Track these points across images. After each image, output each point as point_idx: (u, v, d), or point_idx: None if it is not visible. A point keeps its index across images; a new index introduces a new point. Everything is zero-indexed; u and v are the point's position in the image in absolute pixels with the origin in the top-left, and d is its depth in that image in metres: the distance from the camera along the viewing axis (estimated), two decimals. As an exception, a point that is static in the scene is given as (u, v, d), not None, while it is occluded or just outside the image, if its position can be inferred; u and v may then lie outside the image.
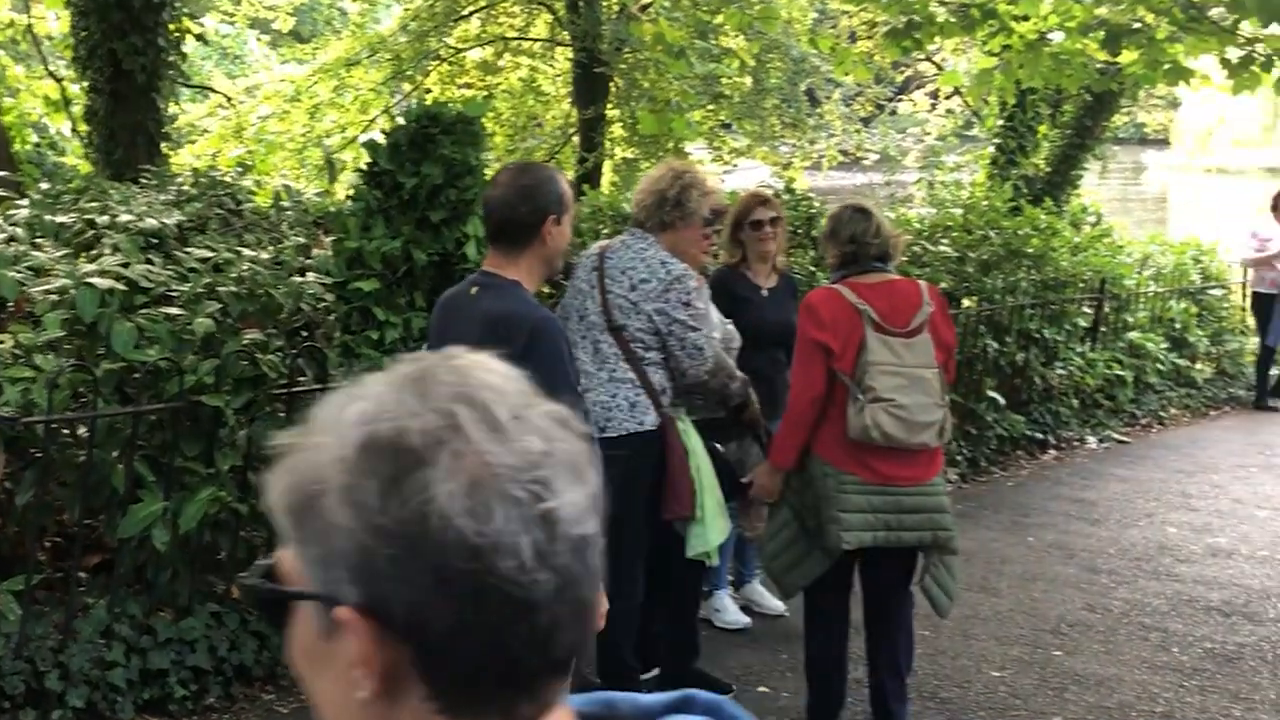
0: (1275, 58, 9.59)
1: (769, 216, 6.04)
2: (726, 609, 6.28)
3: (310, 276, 5.98)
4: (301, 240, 6.73)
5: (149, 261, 5.75)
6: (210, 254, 5.84)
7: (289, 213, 7.43)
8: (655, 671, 5.50)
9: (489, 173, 5.21)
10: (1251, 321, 12.58)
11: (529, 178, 3.83)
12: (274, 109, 17.16)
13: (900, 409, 4.68)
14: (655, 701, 1.17)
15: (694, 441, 5.07)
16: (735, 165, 16.61)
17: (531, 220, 3.77)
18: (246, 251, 6.02)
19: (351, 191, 5.43)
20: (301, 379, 5.67)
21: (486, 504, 0.98)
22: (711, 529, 5.04)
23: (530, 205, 3.76)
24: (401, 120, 5.33)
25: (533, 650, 1.00)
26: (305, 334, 5.93)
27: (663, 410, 4.94)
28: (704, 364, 4.96)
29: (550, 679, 1.03)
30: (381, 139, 5.37)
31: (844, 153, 19.33)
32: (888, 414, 4.67)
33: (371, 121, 16.46)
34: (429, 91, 16.72)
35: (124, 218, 6.32)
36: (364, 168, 5.38)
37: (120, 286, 5.24)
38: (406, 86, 16.96)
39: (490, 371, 1.10)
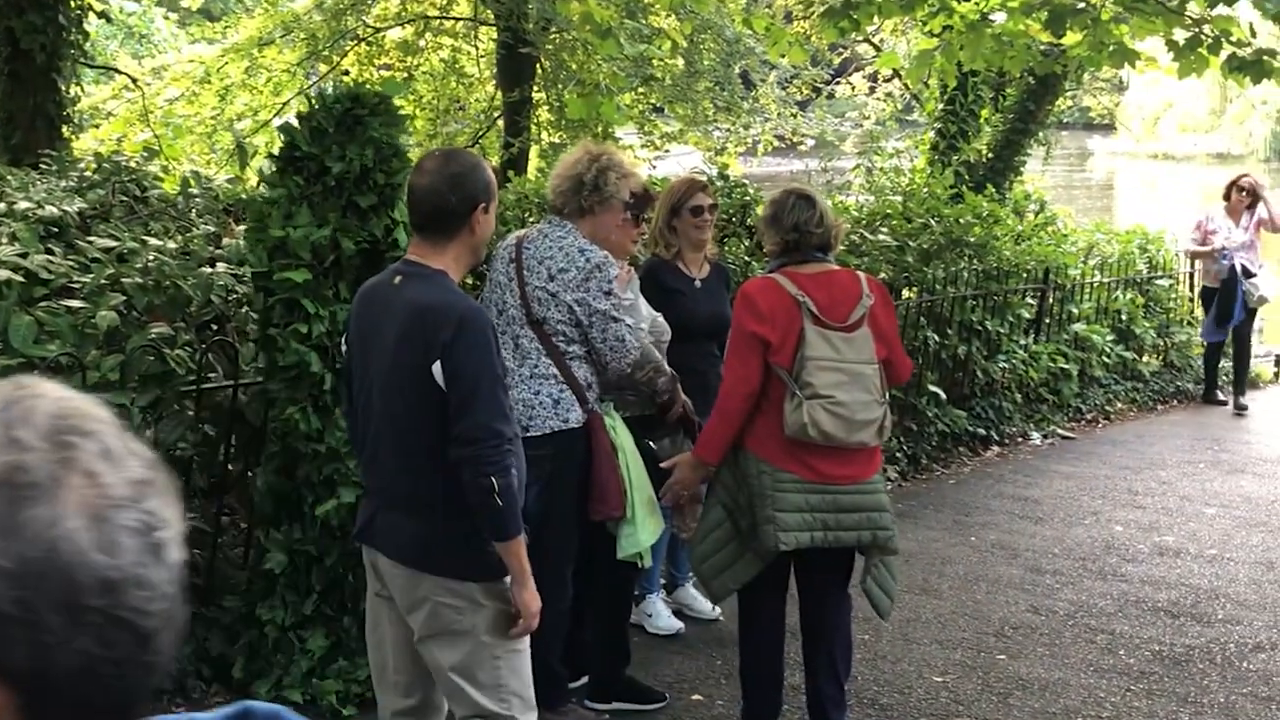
0: (1223, 39, 9.73)
1: (708, 203, 6.04)
2: (659, 614, 6.29)
3: (221, 267, 5.92)
4: (211, 229, 6.66)
5: (49, 251, 5.67)
6: (114, 243, 5.77)
7: (198, 200, 7.34)
8: (584, 679, 5.50)
9: (412, 156, 5.18)
10: (1200, 313, 12.72)
11: (458, 165, 3.82)
12: (182, 91, 16.95)
13: (839, 406, 4.70)
14: (211, 717, 1.16)
15: (623, 439, 5.06)
16: (667, 151, 16.64)
17: (461, 209, 3.76)
18: (153, 241, 5.94)
19: (264, 177, 5.36)
20: (212, 375, 5.61)
21: (113, 536, 0.97)
22: (643, 529, 5.04)
23: (460, 194, 3.75)
24: (317, 102, 5.26)
25: (144, 678, 1.00)
26: (215, 328, 5.86)
27: (588, 407, 4.94)
28: (627, 356, 4.95)
29: (146, 704, 1.03)
30: (297, 122, 5.30)
31: (779, 138, 19.41)
32: (826, 411, 4.69)
33: (285, 104, 16.30)
34: (346, 73, 16.58)
35: (22, 205, 6.22)
36: (278, 152, 5.31)
37: (18, 278, 5.16)
38: (322, 67, 16.83)
39: (79, 399, 1.07)
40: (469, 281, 6.33)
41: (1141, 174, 50.03)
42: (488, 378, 3.65)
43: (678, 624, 6.30)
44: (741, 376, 4.85)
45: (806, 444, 4.74)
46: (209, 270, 5.83)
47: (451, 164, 3.82)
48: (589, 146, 5.23)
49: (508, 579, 3.75)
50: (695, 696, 5.65)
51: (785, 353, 4.77)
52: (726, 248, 8.87)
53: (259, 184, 8.10)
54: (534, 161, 15.75)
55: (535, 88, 15.68)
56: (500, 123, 16.17)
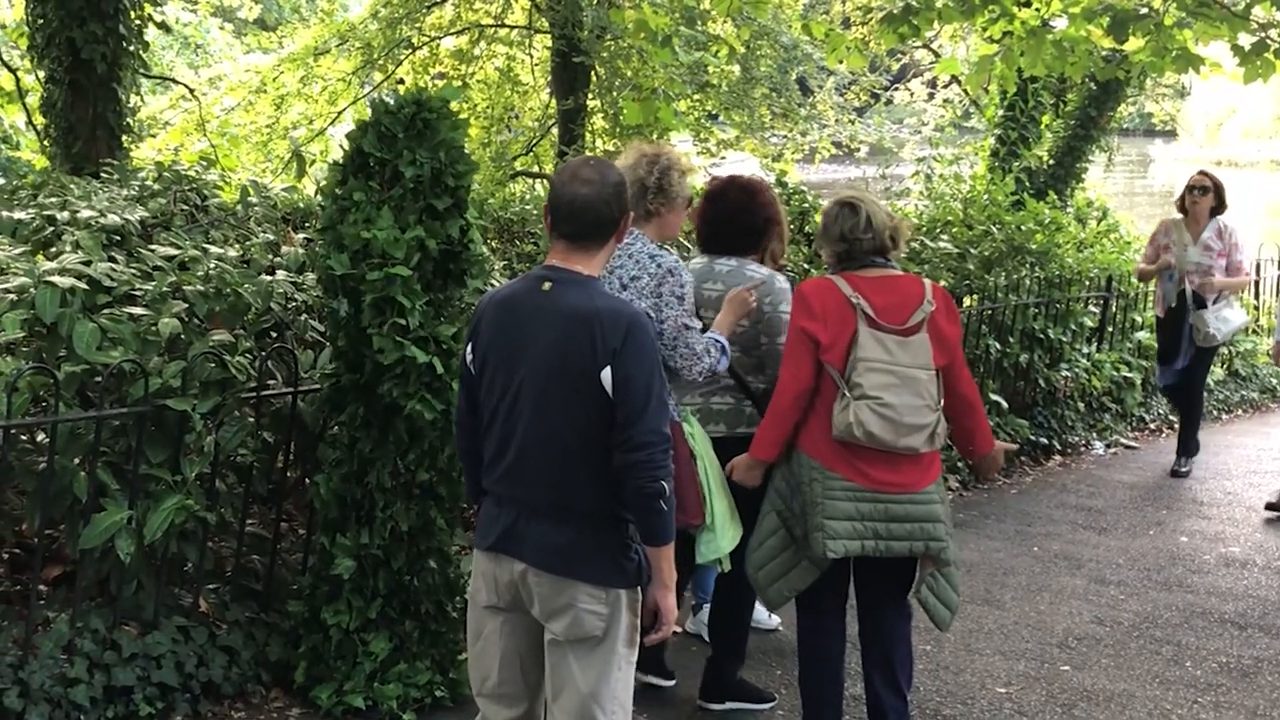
0: (1289, 44, 9.65)
1: None
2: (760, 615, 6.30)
3: (280, 275, 5.98)
4: (270, 237, 6.73)
5: (111, 259, 5.75)
6: (176, 251, 5.84)
7: (256, 209, 7.43)
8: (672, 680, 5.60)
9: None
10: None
11: (617, 175, 3.83)
12: (239, 100, 17.16)
13: (886, 408, 4.70)
14: None
15: (702, 446, 5.07)
16: (723, 157, 16.65)
17: (618, 218, 3.81)
18: (213, 249, 6.01)
19: (326, 182, 5.40)
20: (271, 382, 5.68)
21: None
22: (723, 536, 5.05)
23: (619, 204, 3.80)
24: (381, 108, 5.30)
25: None
26: (275, 335, 5.93)
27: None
28: (697, 364, 4.93)
29: None
30: (361, 128, 5.34)
31: (837, 144, 19.38)
32: (873, 412, 4.70)
33: (340, 113, 16.46)
34: (401, 81, 16.72)
35: (85, 214, 6.31)
36: (342, 157, 5.36)
37: (82, 285, 5.23)
38: (377, 76, 16.96)
39: None
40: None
41: (1204, 181, 49.49)
42: (658, 383, 3.69)
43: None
44: (792, 374, 4.89)
45: (856, 447, 4.75)
46: (268, 278, 5.89)
47: (611, 174, 3.81)
48: (643, 148, 5.22)
49: (639, 590, 3.80)
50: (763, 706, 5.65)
51: (837, 352, 4.79)
52: (787, 255, 8.86)
53: (317, 191, 8.19)
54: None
55: (590, 95, 15.75)
56: (555, 130, 16.25)
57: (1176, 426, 10.41)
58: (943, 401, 4.90)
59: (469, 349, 3.95)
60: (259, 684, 5.35)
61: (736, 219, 5.57)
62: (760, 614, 6.41)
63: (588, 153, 16.05)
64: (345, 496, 5.33)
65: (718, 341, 5.02)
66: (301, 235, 6.89)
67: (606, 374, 3.62)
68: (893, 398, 4.74)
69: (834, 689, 5.19)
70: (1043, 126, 15.15)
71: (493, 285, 5.52)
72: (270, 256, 6.44)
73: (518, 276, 4.10)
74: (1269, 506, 8.82)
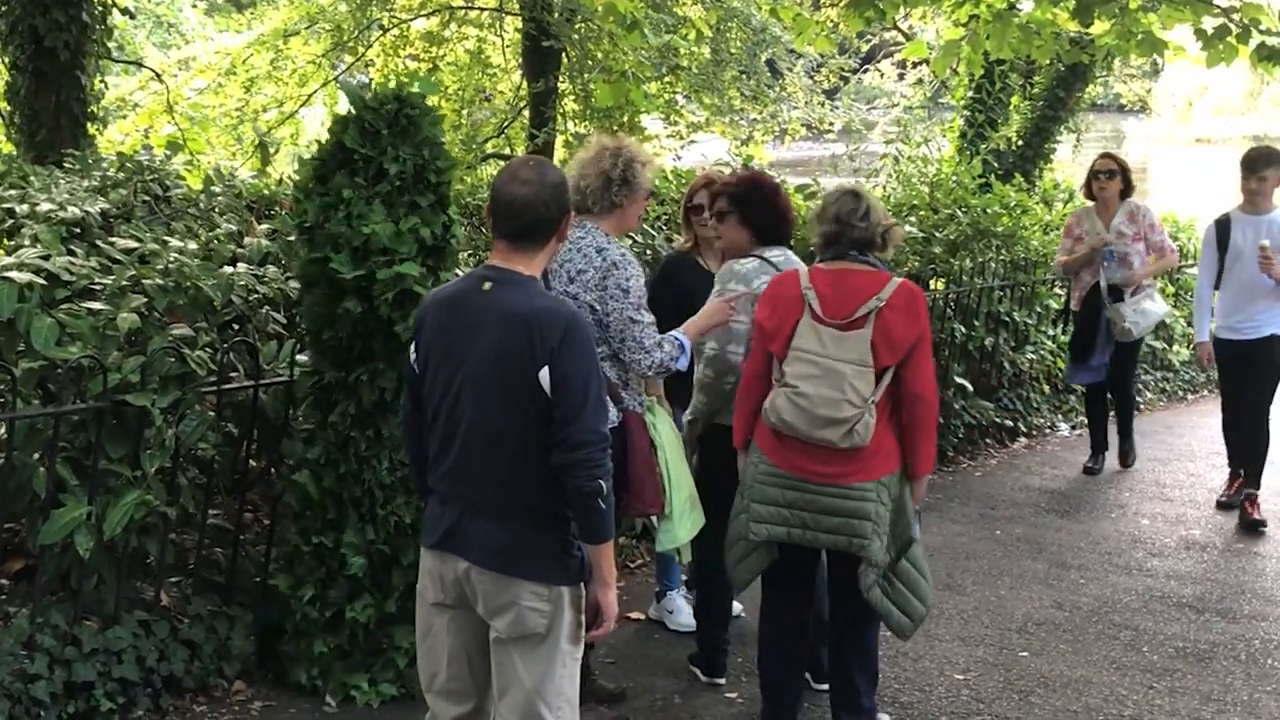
0: (1252, 28, 9.70)
1: (705, 201, 6.02)
2: (680, 610, 6.33)
3: (242, 267, 5.97)
4: (233, 227, 6.72)
5: (71, 253, 5.74)
6: (136, 244, 5.83)
7: (220, 198, 7.40)
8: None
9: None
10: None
11: (556, 175, 3.86)
12: (208, 82, 17.07)
13: (801, 397, 4.74)
14: None
15: (664, 436, 5.10)
16: (693, 140, 16.64)
17: (557, 219, 3.84)
18: (174, 241, 6.00)
19: (302, 176, 5.40)
20: (233, 375, 5.68)
21: None
22: (680, 526, 5.09)
23: (558, 204, 3.83)
24: (360, 104, 5.30)
25: None
26: (236, 328, 5.93)
27: (622, 406, 4.95)
28: (647, 358, 4.91)
29: None
30: (339, 123, 5.35)
31: (807, 126, 19.39)
32: (788, 400, 4.76)
33: (310, 97, 16.39)
34: (371, 63, 16.67)
35: (44, 206, 6.29)
36: (318, 151, 5.36)
37: (40, 280, 5.22)
38: (347, 58, 16.90)
39: None
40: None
41: (1177, 158, 49.70)
42: (595, 382, 3.72)
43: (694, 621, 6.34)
44: (749, 361, 5.04)
45: (784, 435, 4.81)
46: (230, 270, 5.88)
47: (550, 174, 3.85)
48: (604, 141, 5.22)
49: (582, 586, 3.83)
50: (721, 693, 5.69)
51: (779, 341, 4.87)
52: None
53: (294, 185, 8.18)
54: (559, 152, 15.79)
55: (560, 78, 15.72)
56: (526, 113, 16.22)
57: (1086, 425, 9.84)
58: (875, 401, 4.83)
59: (413, 348, 3.98)
60: (221, 677, 5.37)
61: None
62: (682, 615, 6.44)
63: (559, 135, 16.04)
64: (342, 494, 5.37)
65: (676, 339, 5.02)
66: (265, 225, 6.87)
67: (544, 374, 3.66)
68: (809, 388, 4.76)
69: (791, 675, 5.22)
70: (1011, 108, 15.19)
71: (457, 274, 5.55)
72: (233, 248, 6.43)
73: (459, 276, 4.11)
74: (1220, 505, 8.64)
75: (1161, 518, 8.40)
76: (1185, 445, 10.32)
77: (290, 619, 5.47)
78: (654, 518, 5.19)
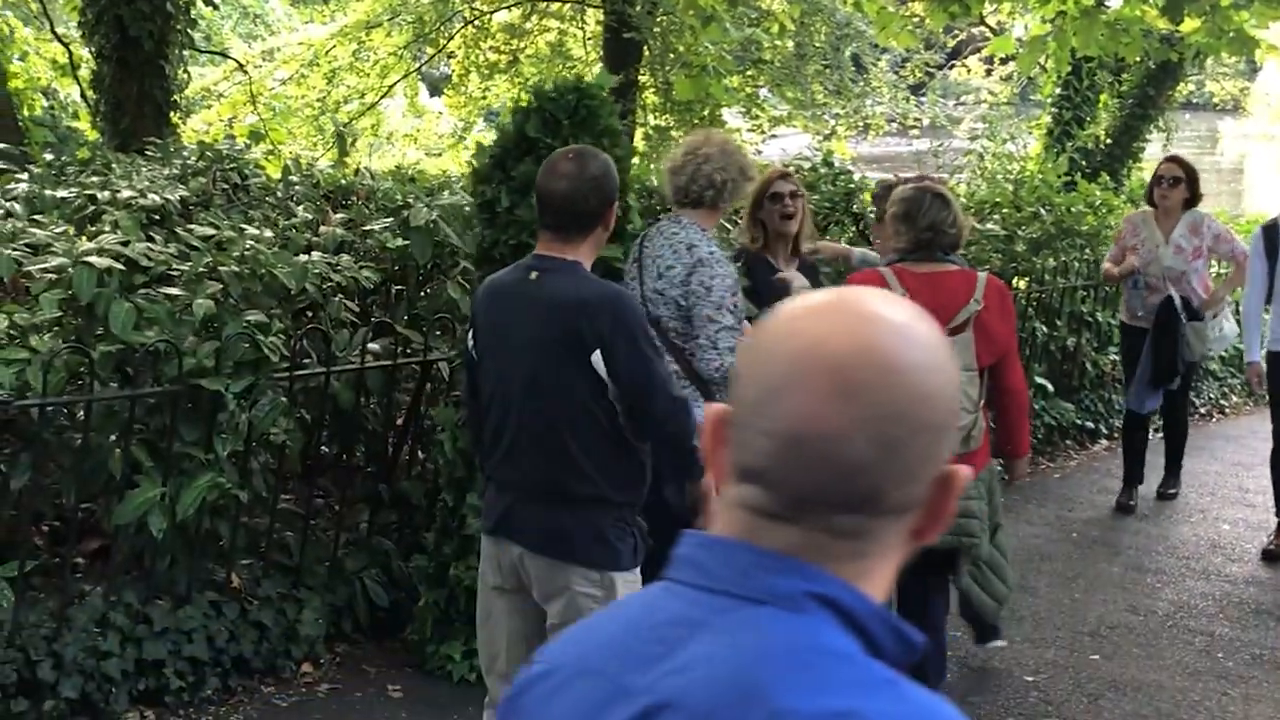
0: (1347, 26, 9.59)
1: (788, 190, 6.04)
2: None
3: (316, 255, 6.08)
4: (309, 216, 6.84)
5: (149, 239, 5.88)
6: (213, 232, 5.96)
7: (298, 187, 7.53)
8: None
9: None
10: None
11: (595, 168, 3.90)
12: (291, 73, 17.32)
13: None
14: None
15: None
16: (773, 134, 16.65)
17: (599, 210, 3.90)
18: (250, 229, 6.13)
19: (478, 162, 5.59)
20: (306, 361, 5.80)
21: None
22: None
23: (599, 196, 3.88)
24: (542, 94, 5.46)
25: None
26: (310, 315, 6.04)
27: (714, 399, 5.00)
28: (716, 360, 4.92)
29: None
30: (518, 114, 5.50)
31: (891, 121, 19.32)
32: None
33: (390, 88, 16.57)
34: (452, 55, 16.83)
35: (125, 193, 6.45)
36: (498, 140, 5.52)
37: (119, 266, 5.35)
38: (429, 50, 17.08)
39: None
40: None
41: (1275, 157, 48.88)
42: (655, 356, 3.85)
43: None
44: None
45: None
46: (305, 258, 6.00)
47: (589, 167, 3.90)
48: (717, 139, 5.28)
49: (637, 570, 3.93)
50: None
51: None
52: (829, 236, 8.90)
53: (365, 173, 8.31)
54: (639, 145, 15.85)
55: (641, 70, 15.78)
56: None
57: (1121, 452, 8.86)
58: (984, 401, 4.94)
59: (470, 336, 4.09)
60: (289, 659, 5.49)
61: None
62: None
63: (639, 128, 16.10)
64: (471, 457, 5.45)
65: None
66: (340, 215, 6.99)
67: (597, 357, 3.75)
68: None
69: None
70: (1099, 106, 15.06)
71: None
72: (308, 236, 6.55)
73: (510, 265, 4.21)
74: (1268, 556, 7.64)
75: (1243, 523, 8.31)
76: (1269, 449, 10.17)
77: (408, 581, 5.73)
78: None
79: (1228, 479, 9.31)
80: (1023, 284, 9.75)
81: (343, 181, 8.06)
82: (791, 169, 6.48)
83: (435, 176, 9.17)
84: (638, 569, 3.94)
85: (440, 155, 17.83)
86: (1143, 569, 7.36)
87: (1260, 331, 7.66)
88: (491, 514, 4.03)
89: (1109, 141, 15.07)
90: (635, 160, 13.74)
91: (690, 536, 1.33)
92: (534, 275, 3.90)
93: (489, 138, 5.86)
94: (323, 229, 6.66)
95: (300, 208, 7.06)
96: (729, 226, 8.55)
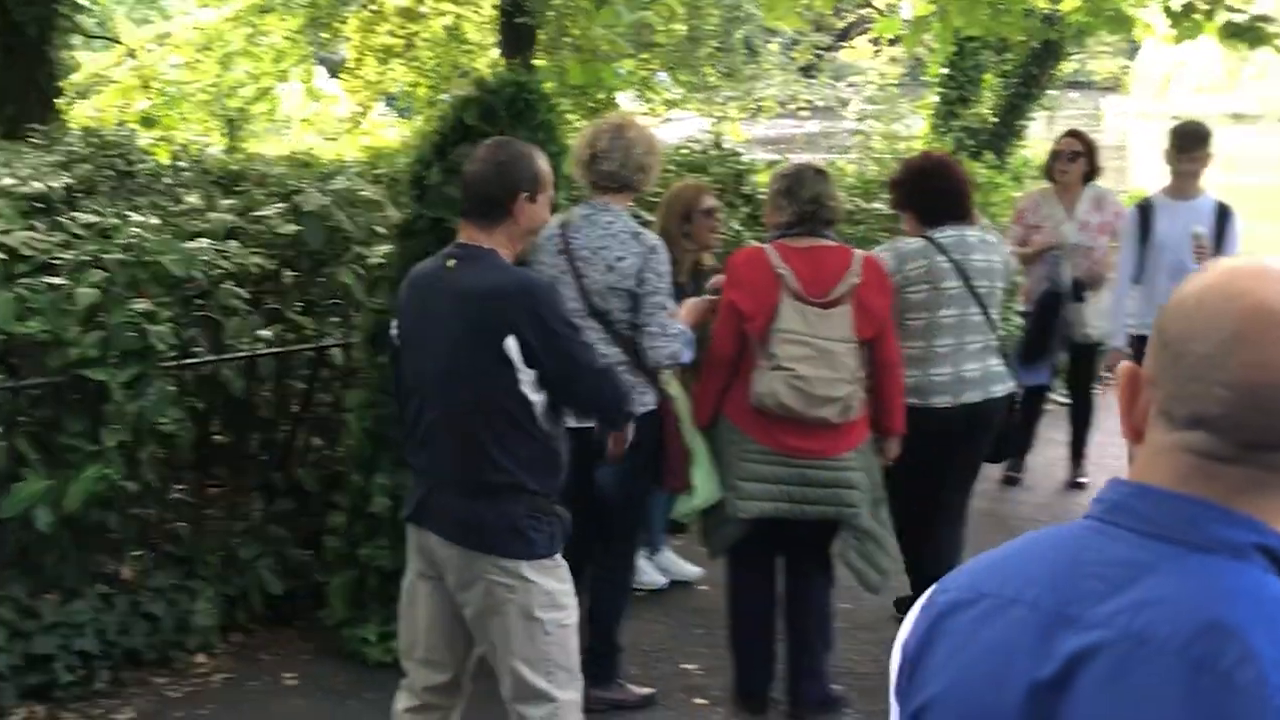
0: (1218, 6, 9.73)
1: (716, 205, 6.06)
2: (642, 569, 6.35)
3: (204, 242, 5.95)
4: (198, 202, 6.70)
5: (31, 227, 5.72)
6: (97, 219, 5.82)
7: (187, 173, 7.39)
8: None
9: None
10: None
11: (505, 154, 3.93)
12: (185, 58, 17.00)
13: (800, 380, 4.77)
14: None
15: (684, 413, 5.13)
16: (668, 117, 16.65)
17: (503, 197, 3.86)
18: (135, 216, 5.99)
19: (422, 148, 5.60)
20: (196, 350, 5.68)
21: None
22: (697, 496, 5.09)
23: (504, 182, 3.86)
24: (482, 84, 5.48)
25: None
26: (199, 302, 5.92)
27: (659, 385, 4.99)
28: (666, 346, 4.89)
29: None
30: (461, 103, 5.52)
31: (783, 103, 19.39)
32: (786, 384, 4.77)
33: (285, 72, 16.33)
34: (347, 39, 16.62)
35: (6, 181, 6.27)
36: (438, 127, 5.55)
37: (0, 255, 5.21)
38: (324, 35, 16.85)
39: None
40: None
41: (1155, 135, 49.73)
42: (574, 336, 3.85)
43: (662, 579, 6.40)
44: (717, 343, 5.02)
45: (770, 414, 4.83)
46: (192, 245, 5.87)
47: (499, 153, 3.93)
48: (624, 121, 5.26)
49: (556, 557, 3.89)
50: (674, 664, 5.72)
51: (759, 322, 4.87)
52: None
53: (261, 156, 8.20)
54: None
55: (537, 55, 15.69)
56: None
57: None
58: (862, 373, 4.97)
59: (394, 324, 4.06)
60: (182, 650, 5.39)
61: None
62: (683, 566, 6.53)
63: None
64: (380, 435, 5.42)
65: (686, 333, 5.05)
66: (230, 200, 6.86)
67: (510, 342, 3.70)
68: (807, 369, 4.81)
69: (762, 647, 5.28)
70: (984, 85, 15.20)
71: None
72: (197, 222, 6.42)
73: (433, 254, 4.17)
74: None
75: (1124, 492, 8.41)
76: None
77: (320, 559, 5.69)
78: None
79: (1110, 449, 9.41)
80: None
81: (234, 167, 7.92)
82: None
83: (331, 161, 9.05)
84: (558, 555, 3.90)
85: (337, 140, 17.61)
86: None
87: (1125, 315, 7.39)
88: (410, 502, 4.02)
89: (994, 120, 15.21)
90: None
91: (1120, 484, 1.46)
92: (450, 264, 3.88)
93: (388, 122, 5.88)
94: (211, 215, 6.53)
95: (189, 194, 6.92)
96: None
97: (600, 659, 5.15)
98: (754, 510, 4.93)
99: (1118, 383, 1.52)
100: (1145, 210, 7.39)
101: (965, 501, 5.99)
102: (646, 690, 5.37)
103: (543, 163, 3.97)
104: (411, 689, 4.13)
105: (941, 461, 5.65)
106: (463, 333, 3.78)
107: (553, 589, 3.88)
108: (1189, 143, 7.28)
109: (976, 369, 5.59)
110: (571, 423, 4.75)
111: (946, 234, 5.50)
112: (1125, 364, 1.50)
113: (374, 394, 5.48)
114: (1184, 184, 7.32)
